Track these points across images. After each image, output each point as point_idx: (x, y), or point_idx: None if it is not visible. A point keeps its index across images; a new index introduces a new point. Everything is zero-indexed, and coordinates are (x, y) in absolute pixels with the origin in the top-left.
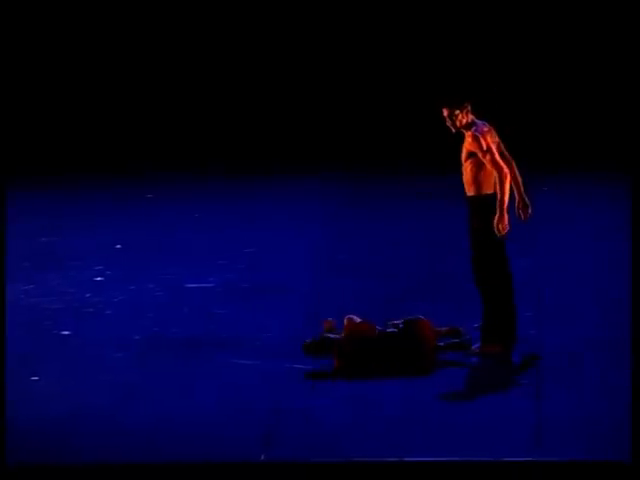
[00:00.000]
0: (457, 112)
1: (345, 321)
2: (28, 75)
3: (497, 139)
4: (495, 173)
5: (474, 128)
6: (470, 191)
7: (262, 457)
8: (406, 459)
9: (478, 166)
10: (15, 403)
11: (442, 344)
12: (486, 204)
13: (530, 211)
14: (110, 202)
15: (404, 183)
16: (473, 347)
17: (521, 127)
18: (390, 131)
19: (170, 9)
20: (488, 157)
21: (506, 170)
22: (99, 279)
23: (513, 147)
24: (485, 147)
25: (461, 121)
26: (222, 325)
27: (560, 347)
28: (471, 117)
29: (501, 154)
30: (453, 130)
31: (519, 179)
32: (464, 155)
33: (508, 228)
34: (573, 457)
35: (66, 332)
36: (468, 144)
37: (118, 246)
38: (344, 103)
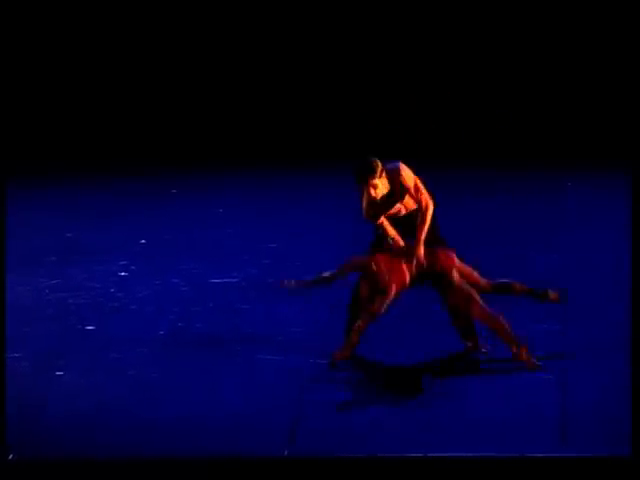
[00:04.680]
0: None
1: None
2: (50, 69)
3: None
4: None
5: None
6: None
7: (285, 452)
8: (430, 454)
9: None
10: (39, 398)
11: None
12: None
13: None
14: (135, 197)
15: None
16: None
17: (527, 126)
18: (414, 127)
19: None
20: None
21: None
22: (124, 274)
23: (521, 144)
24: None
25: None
26: (246, 320)
27: (584, 343)
28: (381, 169)
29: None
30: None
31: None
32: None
33: None
34: (597, 453)
35: (90, 327)
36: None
37: (143, 241)
38: (368, 99)
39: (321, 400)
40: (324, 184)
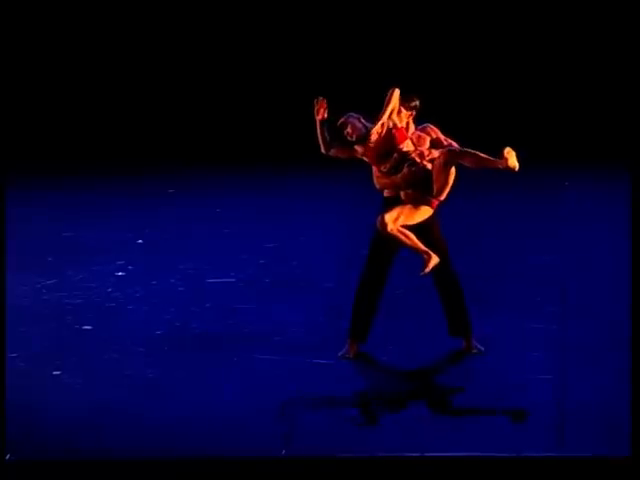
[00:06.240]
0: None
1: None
2: (45, 65)
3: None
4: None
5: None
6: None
7: (283, 452)
8: (427, 454)
9: None
10: (36, 398)
11: None
12: None
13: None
14: (132, 197)
15: None
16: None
17: (526, 124)
18: None
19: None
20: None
21: None
22: (121, 274)
23: (518, 143)
24: None
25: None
26: (244, 320)
27: (583, 343)
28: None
29: None
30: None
31: None
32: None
33: None
34: (596, 453)
35: (88, 327)
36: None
37: (140, 241)
38: (367, 99)
39: (319, 399)
40: (323, 184)
